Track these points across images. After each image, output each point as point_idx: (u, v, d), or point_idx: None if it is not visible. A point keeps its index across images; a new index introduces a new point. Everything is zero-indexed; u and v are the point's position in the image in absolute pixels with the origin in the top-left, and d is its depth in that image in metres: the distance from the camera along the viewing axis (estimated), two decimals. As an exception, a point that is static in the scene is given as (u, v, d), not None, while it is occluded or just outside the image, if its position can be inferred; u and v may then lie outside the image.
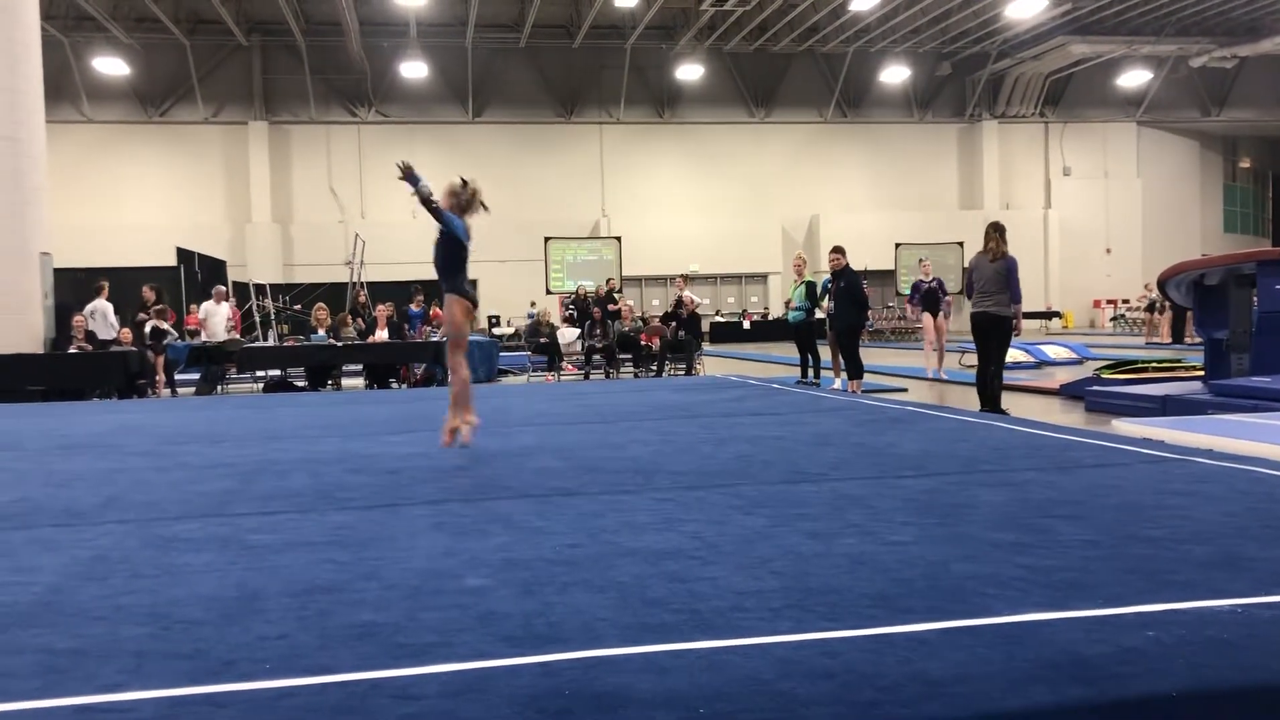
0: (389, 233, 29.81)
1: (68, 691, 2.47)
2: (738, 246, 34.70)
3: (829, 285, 12.53)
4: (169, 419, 10.04)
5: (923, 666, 2.46)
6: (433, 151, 32.09)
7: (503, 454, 6.71)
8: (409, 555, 3.81)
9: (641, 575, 3.42)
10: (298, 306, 23.61)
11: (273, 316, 23.24)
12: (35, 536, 4.35)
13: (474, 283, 7.33)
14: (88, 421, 9.85)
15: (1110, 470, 5.43)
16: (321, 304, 16.74)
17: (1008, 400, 9.78)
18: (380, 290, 23.25)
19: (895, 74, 34.13)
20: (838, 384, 12.53)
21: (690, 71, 33.22)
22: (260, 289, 24.09)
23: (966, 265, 10.98)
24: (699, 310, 17.69)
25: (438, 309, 17.71)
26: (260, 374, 16.03)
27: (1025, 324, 32.25)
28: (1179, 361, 12.98)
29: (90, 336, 14.15)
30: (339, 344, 15.22)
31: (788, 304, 15.43)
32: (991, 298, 9.42)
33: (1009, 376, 11.47)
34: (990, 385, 9.51)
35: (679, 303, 16.93)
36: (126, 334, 14.78)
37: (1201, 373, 11.32)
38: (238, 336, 16.56)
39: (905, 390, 12.67)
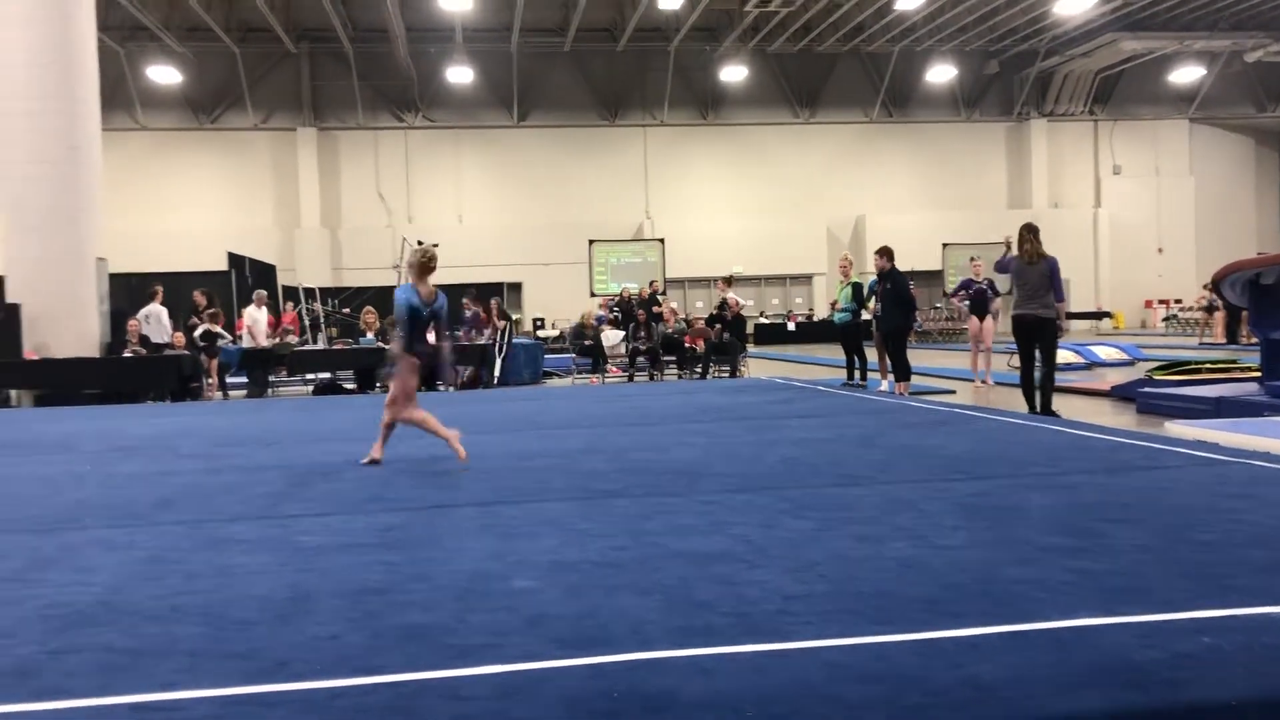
0: (435, 236, 29.78)
1: (125, 690, 2.53)
2: (782, 248, 34.54)
3: (875, 287, 12.44)
4: (221, 422, 10.20)
5: (973, 671, 2.44)
6: (478, 156, 32.31)
7: (549, 456, 6.74)
8: (458, 557, 3.85)
9: (688, 578, 3.42)
10: (346, 310, 23.84)
11: (322, 320, 23.50)
12: (94, 537, 4.44)
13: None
14: (142, 424, 10.03)
15: (1162, 473, 5.35)
16: (370, 307, 16.90)
17: (1058, 402, 9.65)
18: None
19: (941, 73, 33.76)
20: (885, 386, 12.44)
21: (734, 73, 33.11)
22: (310, 293, 24.36)
23: (996, 260, 10.88)
24: (743, 312, 17.63)
25: (484, 313, 17.86)
26: (310, 377, 16.22)
27: (1075, 324, 31.94)
28: (1234, 362, 12.72)
29: (144, 340, 14.41)
30: (387, 347, 15.33)
31: (834, 305, 15.34)
32: (1036, 300, 9.29)
33: (1059, 379, 11.31)
34: (1039, 387, 9.39)
35: (723, 304, 16.89)
36: (179, 338, 15.02)
37: (1257, 374, 11.09)
38: (293, 339, 16.75)
39: (953, 392, 12.55)
